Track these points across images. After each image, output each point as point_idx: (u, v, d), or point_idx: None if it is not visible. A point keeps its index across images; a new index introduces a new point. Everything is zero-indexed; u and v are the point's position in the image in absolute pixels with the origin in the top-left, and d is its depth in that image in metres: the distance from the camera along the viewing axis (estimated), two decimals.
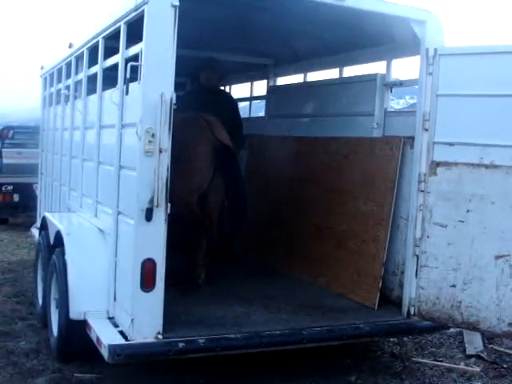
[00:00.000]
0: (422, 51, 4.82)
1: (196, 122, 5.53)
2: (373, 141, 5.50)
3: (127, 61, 4.33)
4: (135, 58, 4.22)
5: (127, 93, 4.28)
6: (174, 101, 4.01)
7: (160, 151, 3.97)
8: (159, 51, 3.98)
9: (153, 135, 3.97)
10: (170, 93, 3.98)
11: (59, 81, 7.20)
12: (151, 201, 3.98)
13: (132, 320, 4.07)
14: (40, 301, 5.90)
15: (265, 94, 7.71)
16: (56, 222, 5.36)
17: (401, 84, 5.55)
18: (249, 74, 7.80)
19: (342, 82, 6.25)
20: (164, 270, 4.10)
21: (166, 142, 4.01)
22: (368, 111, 5.62)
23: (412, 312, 4.88)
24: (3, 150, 13.23)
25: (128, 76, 4.19)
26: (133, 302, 4.10)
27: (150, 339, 4.08)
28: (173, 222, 4.41)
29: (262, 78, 7.75)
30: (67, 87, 6.67)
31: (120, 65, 4.54)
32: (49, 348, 5.14)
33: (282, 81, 7.53)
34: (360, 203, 5.53)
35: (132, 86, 4.24)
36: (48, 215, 5.77)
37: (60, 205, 6.83)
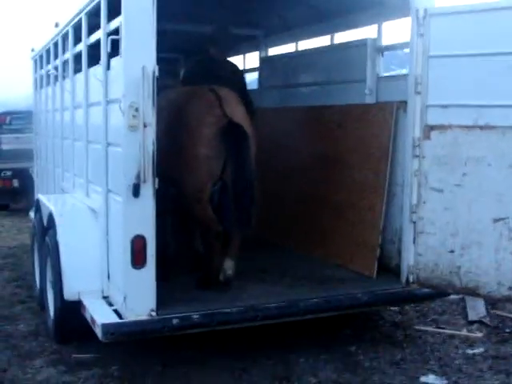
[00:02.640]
0: (412, 12, 4.68)
1: (202, 96, 4.72)
2: (365, 107, 5.39)
3: (108, 35, 4.23)
4: (116, 32, 4.12)
5: (109, 68, 4.19)
6: (156, 74, 3.91)
7: (144, 125, 3.89)
8: (139, 23, 3.88)
9: (136, 109, 3.88)
10: (152, 66, 3.89)
11: (48, 62, 7.10)
12: (138, 176, 3.90)
13: (124, 298, 4.03)
14: (37, 283, 5.87)
15: (257, 66, 7.58)
16: (48, 203, 5.30)
17: (392, 48, 5.42)
18: (240, 46, 7.65)
19: (333, 48, 6.14)
20: (154, 246, 4.04)
21: (151, 116, 3.92)
22: (360, 77, 5.51)
23: (411, 280, 4.81)
24: (1, 136, 13.15)
25: (109, 50, 4.09)
26: (124, 280, 4.06)
27: (144, 317, 4.03)
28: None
29: (253, 50, 7.62)
30: (55, 67, 6.57)
31: (102, 40, 4.44)
32: (47, 330, 5.12)
33: (273, 52, 7.39)
34: (355, 172, 5.44)
35: (114, 60, 4.15)
36: (41, 197, 5.72)
37: (55, 187, 6.77)
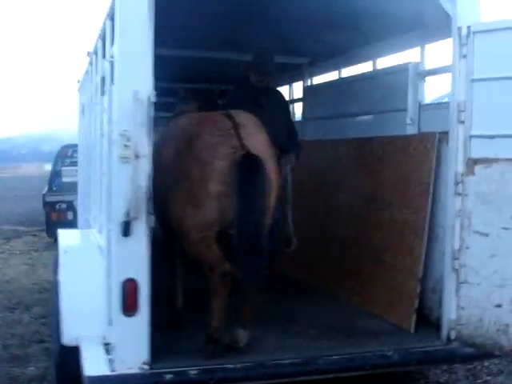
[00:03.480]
0: (454, 31, 4.12)
1: (216, 123, 4.01)
2: (405, 139, 4.83)
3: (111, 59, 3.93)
4: None
5: (103, 93, 3.86)
6: (152, 100, 3.54)
7: (136, 157, 3.51)
8: (132, 44, 3.52)
9: (128, 139, 3.52)
10: (146, 91, 3.52)
11: (83, 92, 6.96)
12: (127, 213, 3.51)
13: (114, 348, 3.62)
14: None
15: (301, 97, 7.13)
16: (61, 239, 5.00)
17: (435, 72, 4.85)
18: (284, 75, 7.25)
19: (374, 75, 5.64)
20: (149, 291, 3.62)
21: (145, 147, 3.54)
22: (401, 106, 4.96)
23: (452, 336, 4.16)
24: (63, 168, 13.27)
25: (104, 75, 3.77)
26: (114, 328, 3.65)
27: (134, 370, 3.59)
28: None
29: (297, 79, 7.19)
30: (88, 97, 6.38)
31: (103, 65, 4.15)
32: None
33: (317, 81, 6.93)
34: (395, 210, 4.86)
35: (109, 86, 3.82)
36: (60, 232, 5.43)
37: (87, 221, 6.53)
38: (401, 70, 5.02)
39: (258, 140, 4.00)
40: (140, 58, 3.51)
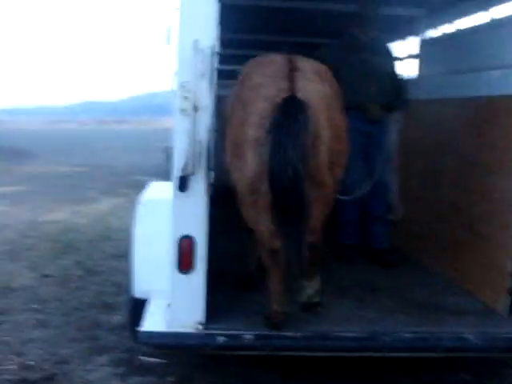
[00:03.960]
0: None
1: (271, 64, 3.52)
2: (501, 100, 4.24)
3: None
4: None
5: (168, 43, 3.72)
6: (215, 50, 3.35)
7: (195, 109, 3.34)
8: None
9: (188, 91, 3.36)
10: (208, 40, 3.32)
11: None
12: (185, 168, 3.38)
13: (171, 305, 3.56)
14: None
15: (415, 53, 6.54)
16: (147, 191, 5.00)
17: None
18: (396, 29, 6.68)
19: (494, 25, 4.95)
20: (205, 249, 3.50)
21: (205, 99, 3.36)
22: None
23: None
24: None
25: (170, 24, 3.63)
26: (171, 285, 3.58)
27: (188, 329, 3.51)
28: None
29: (410, 34, 6.61)
30: None
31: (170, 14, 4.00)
32: None
33: (434, 34, 6.30)
34: (497, 179, 4.32)
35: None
36: (151, 184, 5.44)
37: None
38: None
39: (313, 87, 3.42)
40: (202, 7, 3.32)
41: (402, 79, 5.60)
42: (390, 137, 5.38)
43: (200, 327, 3.51)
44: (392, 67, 5.42)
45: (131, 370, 4.12)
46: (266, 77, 3.44)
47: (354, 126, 5.02)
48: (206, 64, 3.34)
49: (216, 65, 3.45)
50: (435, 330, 3.69)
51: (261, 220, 3.41)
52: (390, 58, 5.48)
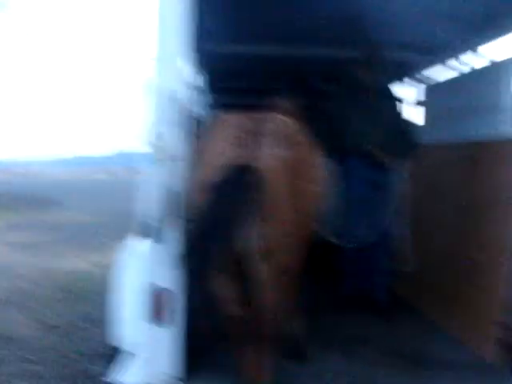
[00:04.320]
0: None
1: (234, 128, 3.31)
2: (501, 143, 4.15)
3: None
4: None
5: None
6: (186, 98, 3.37)
7: (170, 159, 3.34)
8: (167, 44, 3.36)
9: (162, 140, 3.36)
10: (178, 88, 3.34)
11: None
12: (161, 219, 3.35)
13: (146, 359, 3.48)
14: None
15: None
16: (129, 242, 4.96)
17: None
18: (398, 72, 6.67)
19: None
20: (182, 301, 3.43)
21: (179, 149, 3.37)
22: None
23: None
24: None
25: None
26: (146, 338, 3.50)
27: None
28: None
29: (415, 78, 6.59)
30: None
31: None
32: None
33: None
34: (492, 227, 4.20)
35: None
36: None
37: None
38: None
39: (275, 155, 3.15)
40: (178, 57, 3.36)
41: (408, 123, 5.47)
42: (398, 185, 5.19)
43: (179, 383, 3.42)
44: (397, 111, 5.29)
45: None
46: (225, 141, 3.22)
47: (360, 173, 4.98)
48: (179, 113, 3.35)
49: (195, 114, 3.45)
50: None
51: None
52: (394, 102, 5.36)
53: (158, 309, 3.42)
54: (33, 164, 49.15)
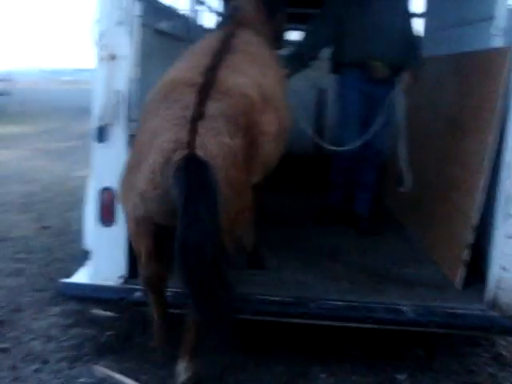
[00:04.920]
0: None
1: (176, 104, 2.73)
2: (478, 55, 3.90)
3: None
4: None
5: None
6: None
7: (112, 58, 3.24)
8: None
9: (105, 39, 3.26)
10: None
11: None
12: (102, 117, 3.30)
13: (93, 258, 3.53)
14: None
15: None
16: None
17: None
18: None
19: None
20: None
21: (124, 48, 3.26)
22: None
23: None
24: None
25: None
26: (93, 238, 3.55)
27: (110, 282, 3.48)
28: None
29: None
30: None
31: None
32: None
33: None
34: (468, 139, 3.99)
35: None
36: None
37: None
38: None
39: (217, 142, 2.62)
40: None
41: (414, 35, 5.08)
42: (395, 100, 4.90)
43: (120, 281, 3.46)
44: (403, 21, 4.89)
45: (77, 322, 4.12)
46: (166, 121, 2.66)
47: (354, 84, 4.75)
48: (126, 12, 3.22)
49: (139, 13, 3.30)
50: (370, 300, 3.48)
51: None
52: (401, 11, 4.90)
53: (103, 209, 3.43)
54: (83, 72, 49.21)
